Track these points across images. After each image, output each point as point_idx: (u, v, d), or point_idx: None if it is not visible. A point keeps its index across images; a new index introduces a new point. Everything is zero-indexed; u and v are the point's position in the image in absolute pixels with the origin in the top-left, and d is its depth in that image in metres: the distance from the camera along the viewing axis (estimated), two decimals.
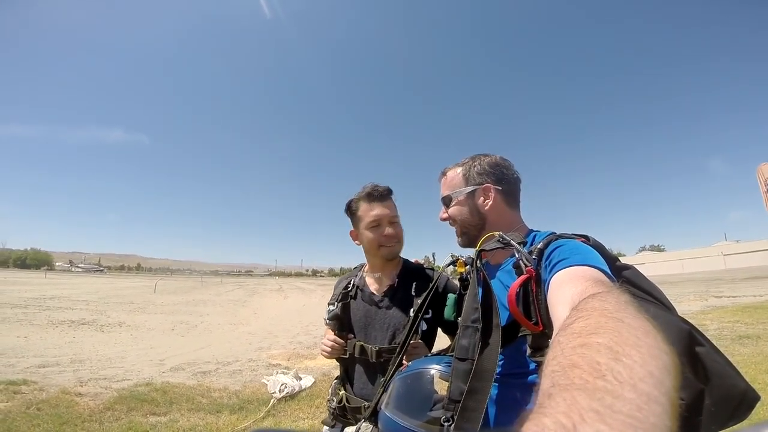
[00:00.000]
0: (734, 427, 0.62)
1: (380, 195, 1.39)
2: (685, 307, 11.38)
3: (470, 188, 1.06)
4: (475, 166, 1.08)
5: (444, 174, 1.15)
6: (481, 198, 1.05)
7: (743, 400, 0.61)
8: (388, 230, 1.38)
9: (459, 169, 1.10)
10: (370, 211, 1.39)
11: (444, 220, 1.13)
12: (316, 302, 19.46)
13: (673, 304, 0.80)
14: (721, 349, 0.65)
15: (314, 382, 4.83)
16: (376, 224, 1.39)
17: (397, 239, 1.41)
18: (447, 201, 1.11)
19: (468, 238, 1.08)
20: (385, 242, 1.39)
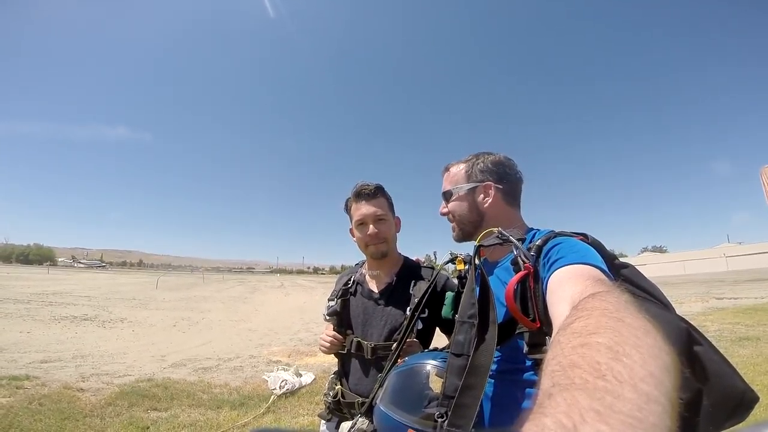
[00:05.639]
0: (734, 427, 0.61)
1: (366, 194, 1.40)
2: (687, 308, 11.35)
3: (471, 185, 1.07)
4: (478, 164, 1.09)
5: (447, 169, 1.16)
6: (481, 195, 1.06)
7: (742, 401, 0.61)
8: (372, 229, 1.38)
9: (462, 166, 1.12)
10: (356, 210, 1.41)
11: (443, 214, 1.14)
12: (318, 300, 19.50)
13: (674, 305, 0.79)
14: (721, 351, 0.64)
15: (314, 379, 4.84)
16: (361, 223, 1.41)
17: (382, 238, 1.40)
18: (447, 196, 1.12)
19: (463, 234, 1.09)
20: (369, 241, 1.40)
